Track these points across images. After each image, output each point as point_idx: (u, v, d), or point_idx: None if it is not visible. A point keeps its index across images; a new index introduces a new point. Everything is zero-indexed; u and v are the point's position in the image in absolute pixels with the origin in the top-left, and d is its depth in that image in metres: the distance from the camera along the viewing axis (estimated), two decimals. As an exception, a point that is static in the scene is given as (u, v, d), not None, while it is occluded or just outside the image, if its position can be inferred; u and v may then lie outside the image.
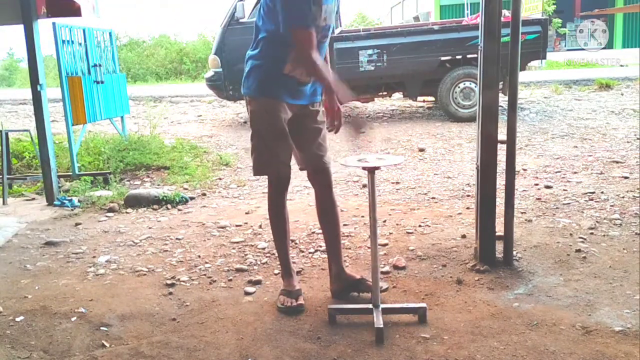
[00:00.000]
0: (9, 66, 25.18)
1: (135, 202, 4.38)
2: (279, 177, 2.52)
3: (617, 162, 5.11)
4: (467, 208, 3.91)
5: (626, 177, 4.54)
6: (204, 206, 4.36)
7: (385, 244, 3.27)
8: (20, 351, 2.25)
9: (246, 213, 4.09)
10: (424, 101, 9.29)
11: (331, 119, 2.55)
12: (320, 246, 3.28)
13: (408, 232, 3.48)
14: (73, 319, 2.50)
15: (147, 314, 2.53)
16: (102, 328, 2.41)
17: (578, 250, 3.02)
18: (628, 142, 6.01)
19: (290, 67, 2.37)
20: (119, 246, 3.48)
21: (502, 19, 2.70)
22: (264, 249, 3.30)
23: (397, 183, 4.81)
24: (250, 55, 2.44)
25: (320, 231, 3.51)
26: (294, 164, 2.59)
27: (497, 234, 2.87)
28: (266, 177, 2.58)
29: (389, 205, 4.13)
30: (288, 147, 2.48)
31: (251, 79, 2.44)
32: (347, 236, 3.46)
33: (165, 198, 4.39)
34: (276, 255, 3.17)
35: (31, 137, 5.43)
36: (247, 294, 2.71)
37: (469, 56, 7.78)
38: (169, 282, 2.87)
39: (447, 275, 2.81)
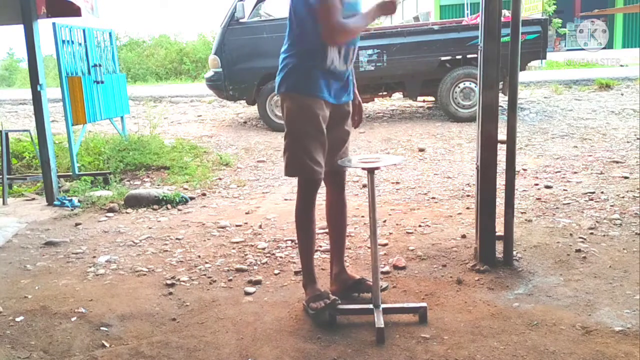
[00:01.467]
0: (9, 66, 25.18)
1: (135, 202, 4.38)
2: (313, 179, 2.41)
3: (617, 162, 5.11)
4: (467, 208, 3.91)
5: (626, 177, 4.54)
6: (204, 206, 4.36)
7: (385, 244, 3.27)
8: (20, 351, 2.25)
9: (246, 213, 4.09)
10: (424, 101, 9.29)
11: (352, 112, 2.55)
12: (320, 246, 3.28)
13: (408, 232, 3.48)
14: (73, 319, 2.50)
15: (147, 314, 2.53)
16: (102, 328, 2.41)
17: (578, 250, 3.02)
18: (628, 142, 6.01)
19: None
20: (119, 246, 3.48)
21: (502, 19, 2.70)
22: (264, 249, 3.30)
23: (397, 183, 4.81)
24: (284, 51, 2.39)
25: (320, 231, 3.53)
26: None
27: (497, 234, 2.87)
28: (297, 178, 2.49)
29: (389, 205, 4.13)
30: (324, 147, 2.40)
31: (287, 75, 2.37)
32: (347, 236, 3.45)
33: (165, 198, 4.39)
34: (275, 255, 3.18)
35: (31, 137, 5.44)
36: (247, 294, 2.71)
37: (469, 56, 7.78)
38: (169, 282, 2.87)
39: (447, 275, 2.81)
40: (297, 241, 2.57)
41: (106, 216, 4.16)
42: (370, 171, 2.25)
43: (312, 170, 2.37)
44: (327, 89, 2.36)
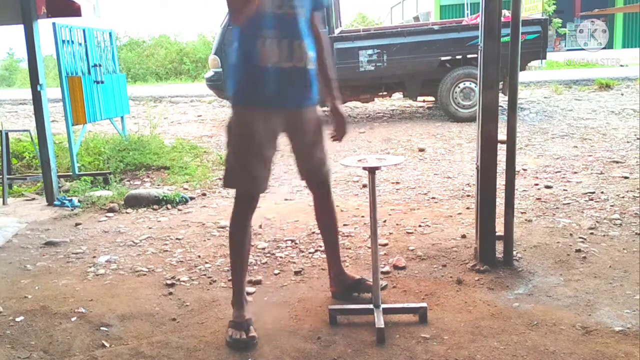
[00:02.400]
0: (9, 66, 25.19)
1: (135, 202, 4.38)
2: (248, 195, 2.30)
3: (617, 162, 5.11)
4: (467, 208, 3.91)
5: (626, 177, 4.54)
6: (204, 206, 4.36)
7: (385, 244, 3.27)
8: (20, 351, 2.25)
9: (246, 213, 4.09)
10: (424, 101, 9.29)
11: (335, 123, 2.41)
12: (320, 246, 3.27)
13: (408, 232, 3.48)
14: (73, 319, 2.50)
15: (147, 314, 2.53)
16: (102, 328, 2.41)
17: (578, 250, 3.02)
18: (628, 142, 6.01)
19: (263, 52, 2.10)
20: (119, 246, 3.48)
21: (502, 19, 2.70)
22: (263, 249, 3.30)
23: (397, 183, 4.81)
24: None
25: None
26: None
27: (497, 234, 2.87)
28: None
29: (389, 205, 4.13)
30: (267, 161, 2.24)
31: (230, 81, 2.24)
32: (347, 236, 3.46)
33: (165, 198, 4.39)
34: (275, 256, 3.18)
35: (31, 137, 5.44)
36: (247, 293, 2.70)
37: (469, 56, 7.78)
38: (169, 282, 2.87)
39: (447, 275, 2.81)
40: (229, 257, 2.44)
41: (106, 216, 4.16)
42: (371, 171, 2.25)
43: (246, 185, 2.27)
44: (272, 92, 2.16)
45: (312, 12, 2.29)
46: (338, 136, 2.42)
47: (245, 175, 2.24)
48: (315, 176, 2.44)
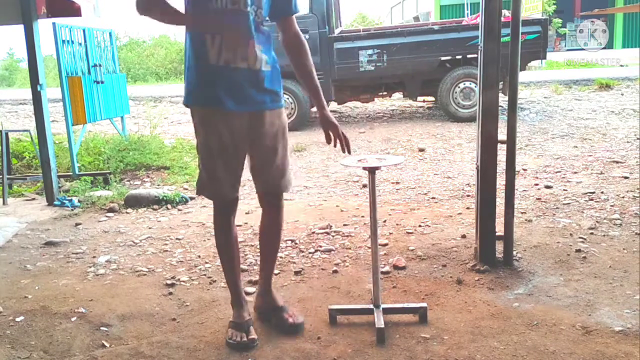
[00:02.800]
0: (9, 66, 25.19)
1: (135, 202, 4.38)
2: (221, 200, 2.23)
3: (617, 162, 5.11)
4: (467, 208, 3.91)
5: (626, 177, 4.54)
6: (204, 206, 4.36)
7: (385, 244, 3.27)
8: (20, 351, 2.25)
9: (246, 213, 4.09)
10: (424, 101, 9.29)
11: (326, 133, 2.26)
12: (320, 246, 3.28)
13: (408, 232, 3.48)
14: (73, 319, 2.50)
15: (147, 314, 2.53)
16: (102, 328, 2.41)
17: (578, 250, 3.02)
18: (628, 142, 6.01)
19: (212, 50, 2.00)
20: (119, 246, 3.48)
21: (502, 19, 2.70)
22: (264, 249, 3.30)
23: (397, 183, 4.81)
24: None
25: (321, 231, 3.54)
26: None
27: (497, 234, 2.87)
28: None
29: (389, 205, 4.13)
30: (232, 166, 2.15)
31: (185, 82, 2.12)
32: (347, 236, 3.46)
33: (165, 198, 4.39)
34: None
35: (31, 137, 5.44)
36: (247, 294, 2.70)
37: (469, 56, 7.78)
38: (169, 282, 2.87)
39: (447, 275, 2.80)
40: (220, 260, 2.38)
41: (106, 216, 4.16)
42: (371, 171, 2.25)
43: (215, 191, 2.20)
44: (228, 94, 2.05)
45: (282, 17, 2.18)
46: (341, 145, 2.26)
47: (211, 181, 2.19)
48: (270, 188, 2.29)
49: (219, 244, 2.32)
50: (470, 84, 7.74)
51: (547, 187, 4.39)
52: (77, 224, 3.98)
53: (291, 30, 2.22)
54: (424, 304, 2.40)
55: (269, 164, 2.24)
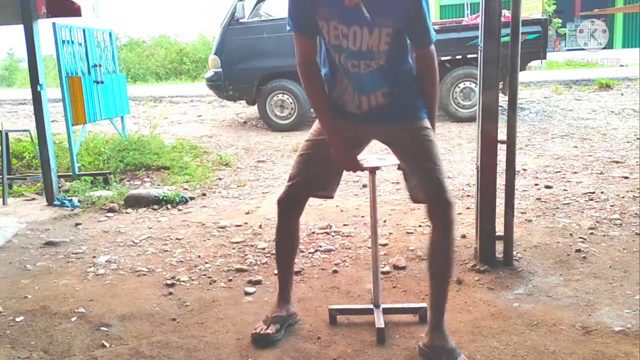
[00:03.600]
0: (9, 66, 25.16)
1: (135, 202, 4.38)
2: (284, 196, 2.23)
3: (617, 162, 5.11)
4: (467, 208, 3.91)
5: (626, 177, 4.54)
6: (204, 206, 4.36)
7: (385, 244, 3.27)
8: (20, 351, 2.25)
9: (246, 213, 4.09)
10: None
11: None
12: (320, 246, 3.28)
13: (408, 232, 3.48)
14: (73, 319, 2.50)
15: (147, 314, 2.53)
16: (102, 328, 2.41)
17: (578, 250, 3.02)
18: (628, 142, 6.01)
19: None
20: (119, 246, 3.48)
21: (502, 19, 2.70)
22: (264, 249, 3.30)
23: (397, 183, 4.81)
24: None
25: (321, 231, 3.54)
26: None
27: (497, 234, 2.87)
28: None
29: (389, 205, 4.13)
30: (306, 170, 2.18)
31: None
32: (347, 236, 3.46)
33: (165, 198, 4.39)
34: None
35: (31, 137, 5.43)
36: (247, 294, 2.71)
37: (469, 56, 7.78)
38: (169, 282, 2.87)
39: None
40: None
41: (106, 216, 4.16)
42: (371, 171, 2.25)
43: (287, 189, 2.23)
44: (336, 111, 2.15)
45: (416, 50, 2.07)
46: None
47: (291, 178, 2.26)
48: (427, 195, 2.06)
49: (276, 240, 2.35)
50: (470, 84, 7.74)
51: (547, 187, 4.39)
52: (77, 224, 3.98)
53: (425, 61, 2.08)
54: (424, 304, 2.39)
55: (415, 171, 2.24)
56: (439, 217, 2.00)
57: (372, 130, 2.19)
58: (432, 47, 2.07)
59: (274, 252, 3.21)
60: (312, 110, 2.21)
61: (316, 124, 2.21)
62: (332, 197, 2.33)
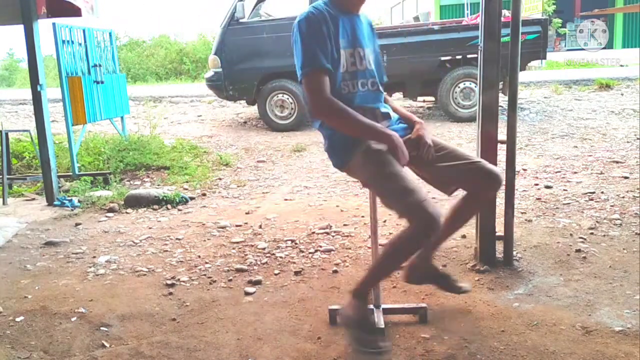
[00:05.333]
0: (9, 66, 25.19)
1: (135, 202, 4.38)
2: (434, 214, 1.97)
3: (617, 162, 5.11)
4: (467, 208, 3.91)
5: (626, 177, 4.54)
6: (204, 206, 4.36)
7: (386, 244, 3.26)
8: (20, 351, 2.25)
9: (246, 213, 4.09)
10: (424, 101, 9.29)
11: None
12: (320, 246, 3.28)
13: (408, 232, 3.47)
14: (73, 319, 2.50)
15: (147, 314, 2.53)
16: (102, 328, 2.41)
17: (578, 250, 3.02)
18: (628, 142, 6.01)
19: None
20: (119, 246, 3.48)
21: (502, 19, 2.70)
22: (264, 249, 3.30)
23: (397, 183, 4.81)
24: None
25: (321, 231, 3.54)
26: None
27: (497, 234, 2.87)
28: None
29: (389, 205, 4.12)
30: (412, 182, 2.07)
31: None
32: (347, 236, 3.46)
33: (165, 198, 4.39)
34: (275, 256, 3.18)
35: (31, 137, 5.44)
36: (247, 294, 2.71)
37: (469, 56, 7.78)
38: (169, 282, 2.87)
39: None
40: (383, 262, 2.10)
41: (106, 216, 4.16)
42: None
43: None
44: None
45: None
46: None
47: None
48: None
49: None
50: (470, 84, 7.74)
51: (547, 187, 4.39)
52: (77, 224, 3.98)
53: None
54: (423, 304, 2.40)
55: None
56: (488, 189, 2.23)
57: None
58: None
59: (273, 252, 3.23)
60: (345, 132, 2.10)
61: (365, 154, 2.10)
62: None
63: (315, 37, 2.04)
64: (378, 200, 2.18)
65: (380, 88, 2.27)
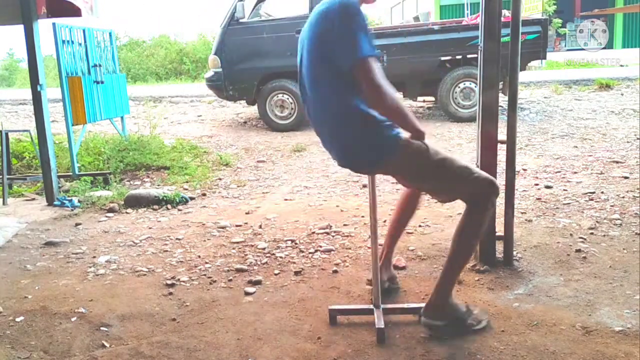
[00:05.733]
0: (9, 66, 25.18)
1: (135, 202, 4.38)
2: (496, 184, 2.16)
3: (617, 162, 5.11)
4: (467, 208, 3.91)
5: (626, 177, 4.54)
6: (204, 206, 4.36)
7: (385, 244, 3.27)
8: (20, 351, 2.25)
9: (246, 213, 4.09)
10: (424, 101, 9.29)
11: None
12: (320, 246, 3.28)
13: (408, 232, 3.48)
14: (73, 319, 2.50)
15: (147, 314, 2.53)
16: (102, 328, 2.41)
17: (578, 250, 3.02)
18: (628, 142, 6.01)
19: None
20: (119, 246, 3.48)
21: (502, 19, 2.70)
22: (264, 249, 3.30)
23: (397, 183, 4.81)
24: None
25: (321, 231, 3.54)
26: None
27: (497, 234, 2.87)
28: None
29: (389, 205, 4.12)
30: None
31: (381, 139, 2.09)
32: (347, 236, 3.46)
33: (165, 198, 4.39)
34: (275, 256, 3.18)
35: (31, 138, 5.43)
36: (247, 294, 2.71)
37: (469, 56, 7.78)
38: (169, 282, 2.87)
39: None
40: (455, 258, 2.20)
41: (106, 216, 4.16)
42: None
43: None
44: None
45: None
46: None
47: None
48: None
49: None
50: (470, 84, 7.74)
51: (547, 187, 4.39)
52: (77, 224, 3.98)
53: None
54: (423, 304, 2.39)
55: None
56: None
57: None
58: None
59: (273, 252, 3.23)
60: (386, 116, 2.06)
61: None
62: None
63: (365, 25, 1.99)
64: (377, 200, 2.18)
65: None
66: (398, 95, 2.09)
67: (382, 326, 2.21)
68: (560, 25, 19.27)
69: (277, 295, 2.67)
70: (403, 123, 2.08)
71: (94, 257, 3.30)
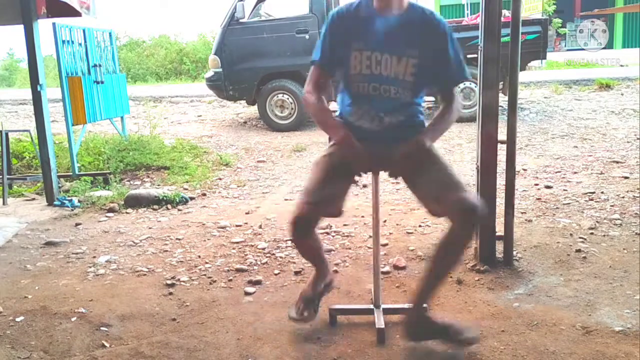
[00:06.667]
0: (9, 66, 25.15)
1: (135, 202, 4.38)
2: (301, 217, 2.20)
3: (617, 162, 5.11)
4: (467, 208, 3.91)
5: (626, 177, 4.54)
6: (204, 206, 4.36)
7: (386, 244, 3.27)
8: (20, 351, 2.25)
9: (246, 213, 4.09)
10: (424, 101, 9.28)
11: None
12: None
13: (408, 232, 3.48)
14: (73, 319, 2.50)
15: (147, 314, 2.53)
16: (102, 328, 2.41)
17: (578, 250, 3.02)
18: (628, 142, 6.01)
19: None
20: (119, 246, 3.48)
21: (502, 19, 2.70)
22: (264, 249, 3.30)
23: (397, 183, 4.81)
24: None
25: (321, 231, 3.54)
26: None
27: (497, 234, 2.87)
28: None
29: (389, 205, 4.13)
30: (322, 189, 2.33)
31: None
32: (347, 236, 3.46)
33: (165, 198, 4.39)
34: (275, 256, 3.18)
35: (31, 137, 5.43)
36: (247, 294, 2.71)
37: (469, 56, 7.77)
38: (169, 282, 2.86)
39: (447, 276, 2.80)
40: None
41: (106, 216, 4.16)
42: (375, 172, 2.25)
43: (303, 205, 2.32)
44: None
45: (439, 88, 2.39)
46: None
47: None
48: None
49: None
50: (470, 84, 7.74)
51: (547, 187, 4.39)
52: (77, 224, 3.98)
53: (447, 99, 2.56)
54: (423, 305, 2.39)
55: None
56: (464, 224, 2.02)
57: (385, 151, 2.26)
58: (455, 89, 2.37)
59: (273, 252, 3.23)
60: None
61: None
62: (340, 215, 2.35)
63: (326, 33, 2.15)
64: (377, 201, 2.19)
65: (399, 95, 2.18)
66: (324, 101, 2.15)
67: (382, 326, 2.20)
68: (560, 25, 19.25)
69: (277, 295, 2.67)
70: (323, 129, 2.30)
71: (94, 257, 3.30)
